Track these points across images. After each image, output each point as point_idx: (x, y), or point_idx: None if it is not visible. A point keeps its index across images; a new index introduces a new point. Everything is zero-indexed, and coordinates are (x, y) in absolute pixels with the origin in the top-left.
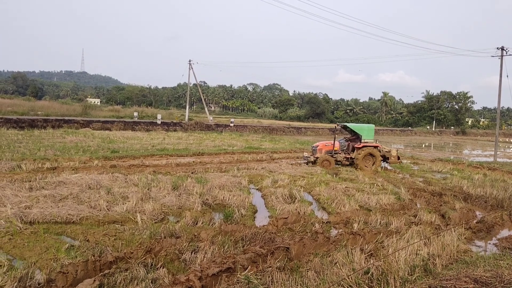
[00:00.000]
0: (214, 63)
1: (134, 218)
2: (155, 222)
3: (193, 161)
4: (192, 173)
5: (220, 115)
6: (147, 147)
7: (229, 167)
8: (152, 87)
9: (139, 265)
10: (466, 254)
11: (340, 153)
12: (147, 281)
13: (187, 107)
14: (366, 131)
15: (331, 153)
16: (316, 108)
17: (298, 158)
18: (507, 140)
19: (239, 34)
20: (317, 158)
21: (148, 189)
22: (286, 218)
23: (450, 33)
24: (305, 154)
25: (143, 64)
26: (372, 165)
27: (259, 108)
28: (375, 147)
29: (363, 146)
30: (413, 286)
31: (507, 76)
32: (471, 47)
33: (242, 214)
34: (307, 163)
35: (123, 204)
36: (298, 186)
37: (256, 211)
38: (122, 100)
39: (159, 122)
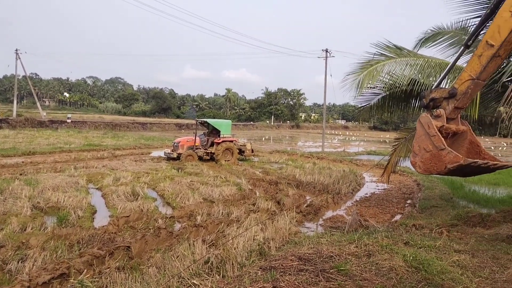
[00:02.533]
0: (47, 53)
1: None
2: None
3: (23, 162)
4: (21, 174)
5: (56, 111)
6: None
7: (65, 167)
8: None
9: None
10: (296, 235)
11: (200, 148)
12: None
13: (15, 101)
14: (224, 126)
15: (192, 149)
16: (162, 103)
17: (143, 154)
18: (333, 132)
19: (76, 22)
20: (180, 154)
21: None
22: (127, 216)
23: (287, 36)
24: (167, 150)
25: None
26: (231, 158)
27: (100, 103)
28: (232, 141)
29: (223, 141)
30: (248, 269)
31: (331, 75)
32: (304, 49)
33: (79, 216)
34: (168, 159)
35: None
36: (142, 183)
37: (95, 212)
38: None
39: None
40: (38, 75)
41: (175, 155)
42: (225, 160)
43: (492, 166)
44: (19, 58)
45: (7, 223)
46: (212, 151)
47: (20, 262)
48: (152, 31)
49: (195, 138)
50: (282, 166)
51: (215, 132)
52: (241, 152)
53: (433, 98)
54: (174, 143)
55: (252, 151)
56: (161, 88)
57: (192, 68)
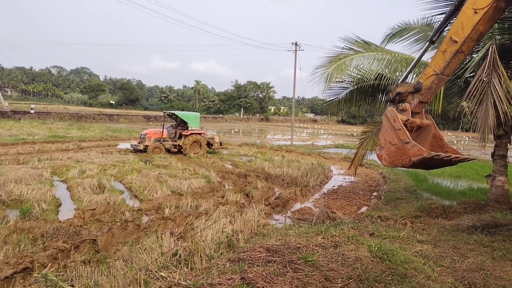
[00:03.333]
0: (9, 42)
1: None
2: None
3: None
4: None
5: (19, 101)
6: None
7: (28, 158)
8: None
9: None
10: (264, 227)
11: (168, 141)
12: None
13: None
14: (192, 118)
15: (160, 141)
16: (130, 95)
17: (109, 146)
18: (302, 125)
19: (41, 10)
20: (147, 146)
21: None
22: (94, 209)
23: (256, 28)
24: (133, 142)
25: None
26: (199, 151)
27: (65, 93)
28: (200, 134)
29: (191, 134)
30: (216, 261)
31: (300, 69)
32: (273, 42)
33: (43, 208)
34: (135, 152)
35: None
36: (109, 175)
37: (60, 205)
38: None
39: None
40: (0, 64)
41: (141, 147)
42: (194, 153)
43: (454, 159)
44: None
45: None
46: (180, 144)
47: None
48: (119, 20)
49: (163, 130)
50: (251, 159)
51: (183, 124)
52: (209, 144)
53: (399, 93)
54: (141, 135)
55: (221, 143)
56: (129, 79)
57: (161, 59)
